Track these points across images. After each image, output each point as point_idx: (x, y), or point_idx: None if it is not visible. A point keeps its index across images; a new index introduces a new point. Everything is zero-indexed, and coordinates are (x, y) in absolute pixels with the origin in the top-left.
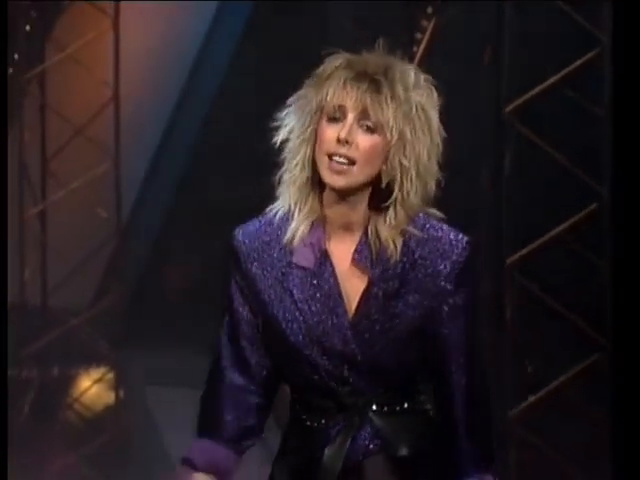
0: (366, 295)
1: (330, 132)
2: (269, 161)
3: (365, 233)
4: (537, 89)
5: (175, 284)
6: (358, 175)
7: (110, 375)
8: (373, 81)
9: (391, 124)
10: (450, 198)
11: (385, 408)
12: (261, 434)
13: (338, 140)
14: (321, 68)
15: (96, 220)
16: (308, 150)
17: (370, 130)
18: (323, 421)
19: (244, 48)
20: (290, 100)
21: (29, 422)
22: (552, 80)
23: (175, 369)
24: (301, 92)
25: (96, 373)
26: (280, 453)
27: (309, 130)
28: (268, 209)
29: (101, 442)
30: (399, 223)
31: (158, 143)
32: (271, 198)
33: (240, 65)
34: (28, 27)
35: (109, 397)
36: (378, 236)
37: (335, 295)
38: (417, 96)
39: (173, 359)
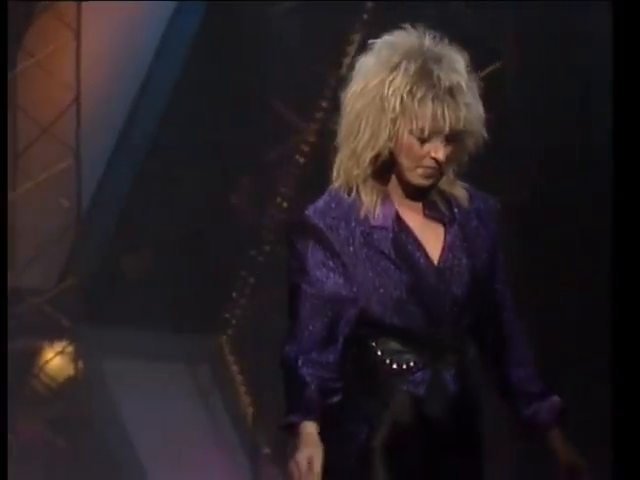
0: (447, 241)
1: (422, 149)
2: (223, 155)
3: (427, 199)
4: None
5: (133, 266)
6: (439, 175)
7: (70, 348)
8: (454, 97)
9: (470, 130)
10: None
11: (459, 344)
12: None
13: (432, 156)
14: (388, 69)
15: (60, 209)
16: (385, 151)
17: (450, 139)
18: (412, 363)
19: (199, 48)
20: (355, 88)
21: None
22: None
23: (131, 343)
24: (368, 93)
25: (58, 346)
26: (347, 403)
27: (387, 133)
28: (331, 186)
29: (62, 410)
30: (454, 178)
31: (117, 139)
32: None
33: (196, 64)
34: None
35: (70, 368)
36: (443, 194)
37: (416, 246)
38: (474, 86)
39: (131, 334)
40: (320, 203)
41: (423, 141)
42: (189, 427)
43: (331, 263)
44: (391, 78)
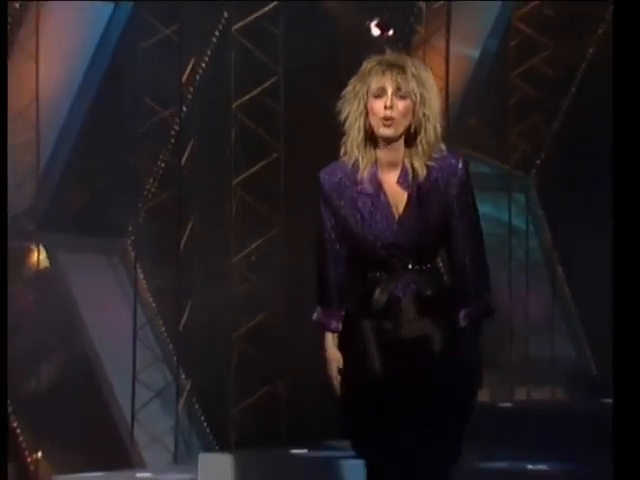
0: (408, 204)
1: (379, 104)
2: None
3: (403, 167)
4: None
5: (80, 198)
6: (398, 126)
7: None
8: (400, 67)
9: (415, 91)
10: None
11: (417, 267)
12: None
13: (385, 107)
14: (362, 67)
15: (27, 167)
16: (362, 120)
17: (403, 97)
18: (378, 274)
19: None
20: (343, 93)
21: None
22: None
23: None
24: (349, 87)
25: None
26: (352, 305)
27: (361, 107)
28: (340, 158)
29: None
30: (425, 155)
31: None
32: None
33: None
34: None
35: (38, 263)
36: (413, 167)
37: (387, 207)
38: (425, 71)
39: (83, 238)
40: (329, 168)
41: (378, 98)
42: (108, 291)
43: (330, 212)
44: (361, 70)
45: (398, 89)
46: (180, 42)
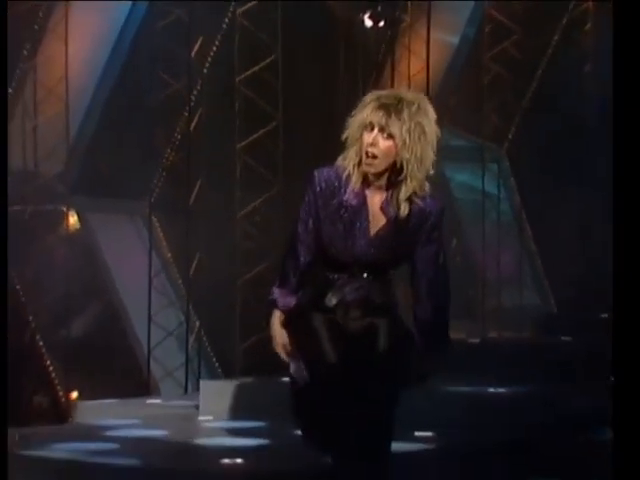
0: (383, 228)
1: (366, 137)
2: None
3: (387, 196)
4: None
5: (106, 160)
6: (379, 164)
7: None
8: (393, 108)
9: (398, 134)
10: None
11: (371, 277)
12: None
13: (369, 143)
14: (364, 98)
15: (57, 137)
16: (359, 146)
17: (387, 138)
18: (336, 276)
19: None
20: (350, 117)
21: None
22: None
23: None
24: (355, 112)
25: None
26: (305, 297)
27: (358, 135)
28: (336, 163)
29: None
30: (407, 194)
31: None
32: None
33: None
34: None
35: (70, 223)
36: (397, 199)
37: (365, 223)
38: (416, 116)
39: (109, 200)
40: (325, 171)
41: (367, 131)
42: (131, 246)
43: (313, 209)
44: (362, 100)
45: (383, 129)
46: (189, 23)
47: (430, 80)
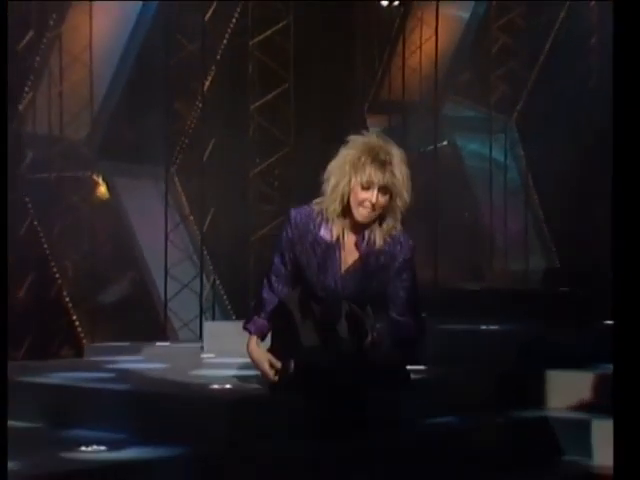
0: (355, 264)
1: (364, 195)
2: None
3: (364, 235)
4: None
5: (128, 129)
6: (374, 216)
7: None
8: (388, 164)
9: (395, 186)
10: None
11: (347, 306)
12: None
13: (369, 201)
14: (353, 152)
15: (82, 102)
16: (344, 197)
17: (385, 192)
18: (312, 305)
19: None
20: (331, 164)
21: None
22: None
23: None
24: (340, 159)
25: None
26: (281, 329)
27: (346, 187)
28: (313, 202)
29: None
30: (386, 232)
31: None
32: None
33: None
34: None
35: (97, 187)
36: (374, 238)
37: (337, 260)
38: (403, 167)
39: (133, 165)
40: (302, 209)
41: (364, 190)
42: (153, 208)
43: (289, 244)
44: (350, 154)
45: (383, 186)
46: None
47: (441, 53)
